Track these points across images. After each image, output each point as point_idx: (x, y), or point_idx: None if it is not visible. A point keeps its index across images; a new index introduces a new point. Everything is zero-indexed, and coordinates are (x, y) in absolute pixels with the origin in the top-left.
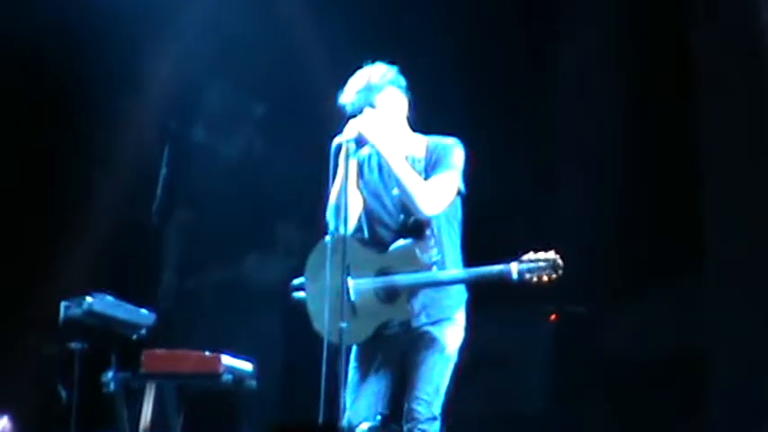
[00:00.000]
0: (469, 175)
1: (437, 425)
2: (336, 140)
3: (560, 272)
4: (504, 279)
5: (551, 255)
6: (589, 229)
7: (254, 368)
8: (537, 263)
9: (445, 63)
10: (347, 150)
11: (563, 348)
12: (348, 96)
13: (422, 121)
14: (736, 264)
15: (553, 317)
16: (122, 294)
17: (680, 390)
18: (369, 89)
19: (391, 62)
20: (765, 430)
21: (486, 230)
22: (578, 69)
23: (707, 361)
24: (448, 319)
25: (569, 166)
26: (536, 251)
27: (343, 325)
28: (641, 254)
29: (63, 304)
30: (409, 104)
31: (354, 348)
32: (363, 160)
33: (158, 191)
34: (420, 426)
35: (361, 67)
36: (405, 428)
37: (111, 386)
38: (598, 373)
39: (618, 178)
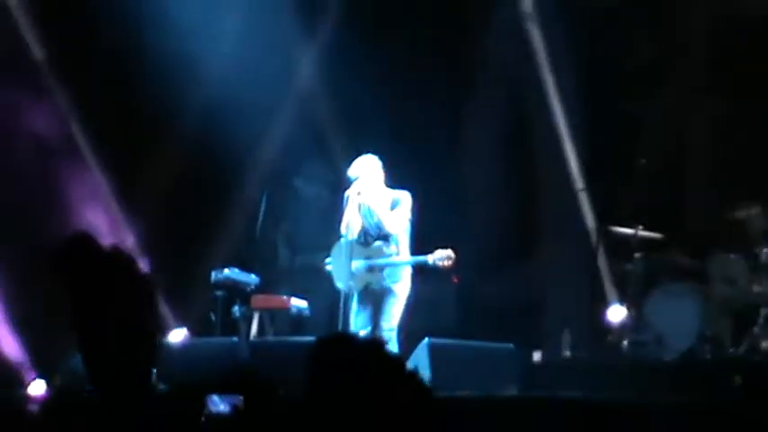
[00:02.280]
0: (416, 208)
1: (394, 334)
2: (346, 193)
3: (453, 260)
4: (425, 264)
5: (448, 251)
6: (483, 235)
7: (308, 305)
8: (440, 255)
9: (400, 148)
10: (353, 196)
11: (461, 296)
12: (353, 171)
13: (390, 173)
14: (561, 248)
15: (456, 279)
16: (244, 267)
17: (528, 319)
18: (363, 166)
19: (374, 152)
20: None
21: (425, 234)
22: (477, 149)
23: (540, 306)
24: (400, 281)
25: (472, 201)
26: (443, 248)
27: (351, 283)
28: (509, 246)
29: (213, 272)
30: (384, 173)
31: (354, 295)
32: (360, 204)
33: (259, 220)
34: (383, 332)
35: (360, 154)
36: (377, 333)
37: (237, 314)
38: (481, 305)
39: (501, 207)
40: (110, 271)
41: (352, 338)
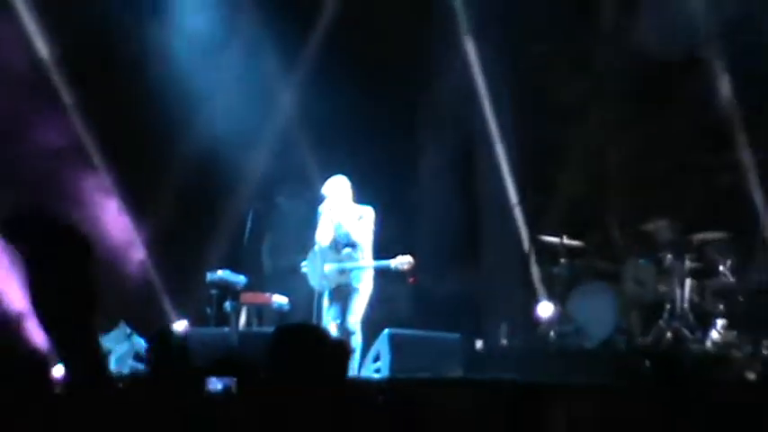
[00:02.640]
0: (379, 221)
1: (359, 326)
2: (320, 207)
3: (412, 265)
4: (388, 268)
5: (408, 257)
6: (435, 244)
7: (288, 301)
8: (401, 261)
9: (366, 170)
10: (325, 211)
11: (417, 294)
12: (326, 189)
13: (357, 192)
14: (500, 254)
15: (412, 279)
16: (234, 270)
17: (471, 314)
18: (334, 186)
19: (343, 174)
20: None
21: (386, 243)
22: (430, 172)
23: (482, 303)
24: (363, 281)
25: (426, 215)
26: (403, 254)
27: (323, 283)
28: (456, 252)
29: (208, 273)
30: (352, 191)
31: (326, 293)
32: (332, 217)
33: (247, 230)
34: (349, 326)
35: (332, 176)
36: (343, 327)
37: (228, 309)
38: (433, 301)
39: (450, 220)
40: (52, 236)
41: (302, 328)
